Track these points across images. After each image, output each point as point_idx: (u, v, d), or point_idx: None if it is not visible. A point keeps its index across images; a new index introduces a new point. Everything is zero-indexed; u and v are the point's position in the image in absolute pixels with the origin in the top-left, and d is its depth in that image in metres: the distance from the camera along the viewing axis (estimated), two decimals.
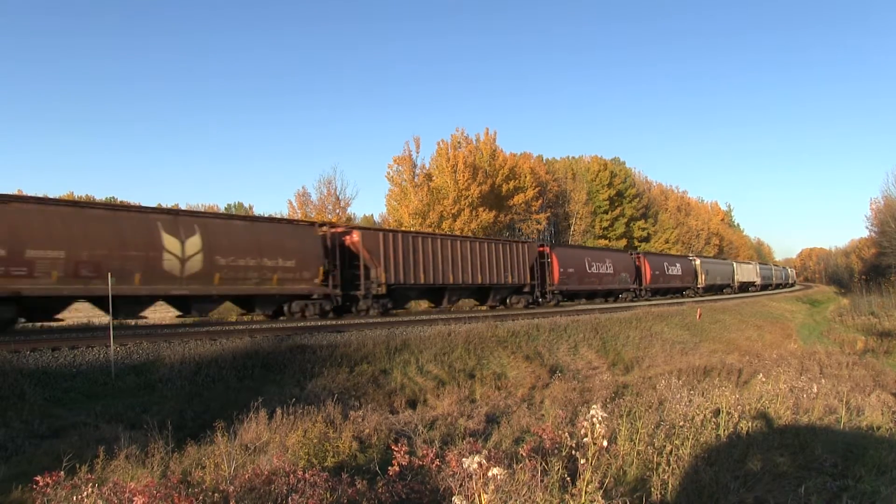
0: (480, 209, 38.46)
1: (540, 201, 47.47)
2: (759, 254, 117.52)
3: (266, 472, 4.83)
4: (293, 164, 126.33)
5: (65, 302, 14.45)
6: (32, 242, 13.14)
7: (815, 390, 9.38)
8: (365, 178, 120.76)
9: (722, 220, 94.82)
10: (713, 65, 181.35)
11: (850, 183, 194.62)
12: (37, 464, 6.28)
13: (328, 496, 4.49)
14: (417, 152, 38.71)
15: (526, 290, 28.15)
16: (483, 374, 14.69)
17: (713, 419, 6.63)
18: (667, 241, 65.81)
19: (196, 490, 4.53)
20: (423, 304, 26.19)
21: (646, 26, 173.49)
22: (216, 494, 4.51)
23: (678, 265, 44.57)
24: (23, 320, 14.40)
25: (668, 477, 5.09)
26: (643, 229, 63.26)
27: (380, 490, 4.67)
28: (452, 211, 37.55)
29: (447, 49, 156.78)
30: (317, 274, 18.83)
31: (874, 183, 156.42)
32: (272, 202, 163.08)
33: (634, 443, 5.64)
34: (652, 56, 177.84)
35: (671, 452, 5.36)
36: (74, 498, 4.14)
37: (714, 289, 52.06)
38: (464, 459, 3.59)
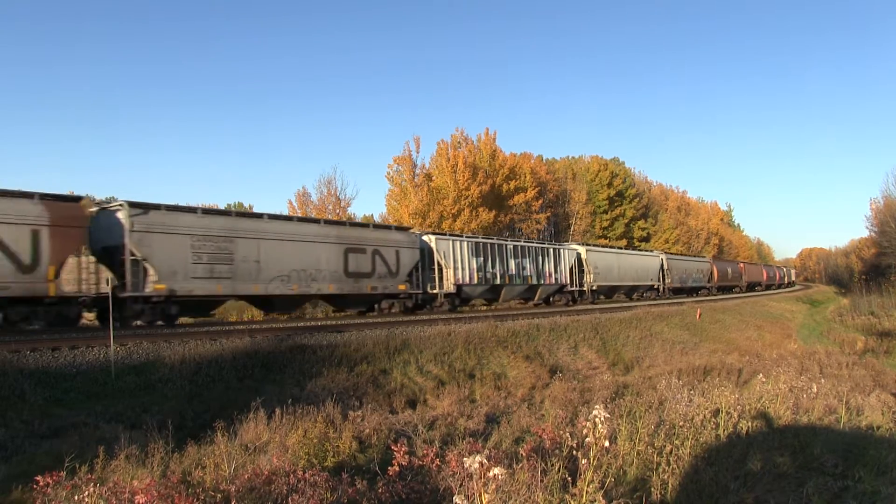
0: (480, 209, 38.46)
1: (540, 201, 47.45)
2: (759, 254, 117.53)
3: (266, 472, 4.83)
4: (293, 164, 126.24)
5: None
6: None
7: (814, 390, 9.36)
8: (365, 178, 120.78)
9: (722, 220, 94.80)
10: (713, 65, 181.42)
11: (850, 183, 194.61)
12: (37, 464, 6.28)
13: (328, 496, 4.49)
14: (417, 152, 38.75)
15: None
16: (483, 374, 14.69)
17: (713, 419, 6.63)
18: (667, 241, 65.87)
19: (196, 490, 4.54)
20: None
21: (646, 27, 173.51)
22: (216, 494, 4.51)
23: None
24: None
25: (668, 477, 5.09)
26: (643, 229, 63.29)
27: (380, 490, 4.67)
28: (452, 211, 37.55)
29: (447, 50, 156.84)
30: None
31: (874, 183, 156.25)
32: (272, 202, 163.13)
33: (634, 443, 5.64)
34: (652, 57, 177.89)
35: (671, 452, 5.36)
36: (75, 498, 4.14)
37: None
38: (465, 459, 3.59)
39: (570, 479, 4.25)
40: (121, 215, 15.70)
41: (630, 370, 18.59)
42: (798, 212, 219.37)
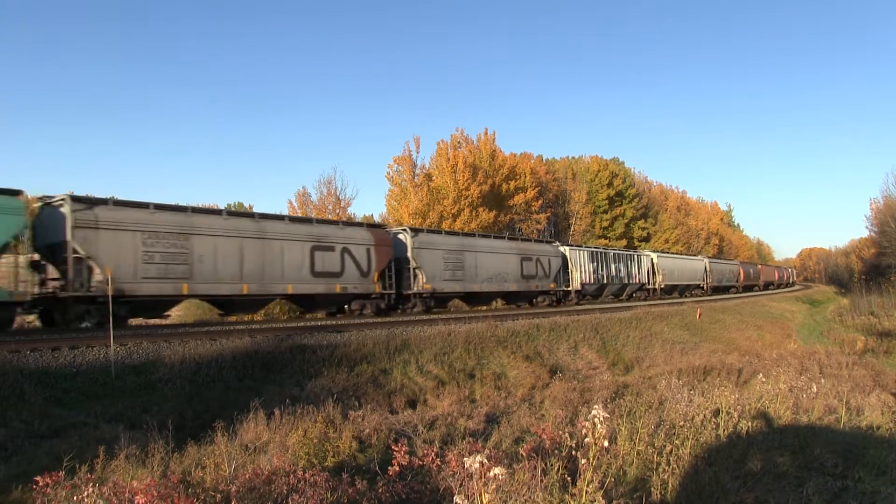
0: (480, 209, 38.43)
1: (540, 201, 47.38)
2: (759, 254, 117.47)
3: (266, 472, 4.83)
4: (293, 164, 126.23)
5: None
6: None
7: (814, 390, 9.36)
8: (365, 178, 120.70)
9: (722, 220, 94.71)
10: (713, 65, 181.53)
11: (850, 183, 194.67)
12: (37, 464, 6.27)
13: (328, 496, 4.49)
14: (417, 152, 38.70)
15: None
16: (483, 374, 14.68)
17: (713, 419, 6.63)
18: (667, 241, 65.86)
19: (196, 490, 4.54)
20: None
21: (646, 27, 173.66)
22: (216, 494, 4.51)
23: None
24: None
25: (668, 477, 5.09)
26: (643, 229, 63.26)
27: (380, 490, 4.67)
28: (452, 211, 37.51)
29: (447, 50, 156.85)
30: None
31: (874, 183, 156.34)
32: (272, 202, 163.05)
33: (634, 443, 5.64)
34: (652, 57, 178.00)
35: (671, 452, 5.36)
36: (74, 498, 4.13)
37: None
38: (465, 459, 3.59)
39: (569, 479, 4.25)
40: (402, 237, 23.44)
41: (630, 370, 18.58)
42: (798, 212, 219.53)
